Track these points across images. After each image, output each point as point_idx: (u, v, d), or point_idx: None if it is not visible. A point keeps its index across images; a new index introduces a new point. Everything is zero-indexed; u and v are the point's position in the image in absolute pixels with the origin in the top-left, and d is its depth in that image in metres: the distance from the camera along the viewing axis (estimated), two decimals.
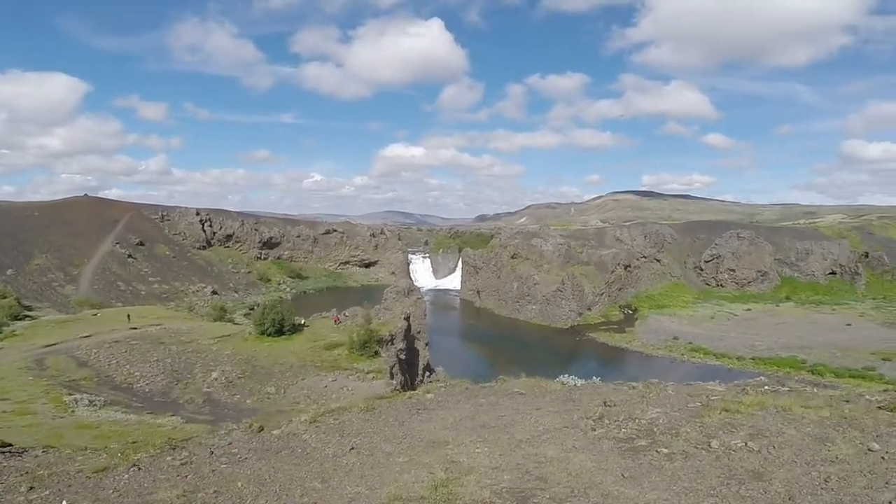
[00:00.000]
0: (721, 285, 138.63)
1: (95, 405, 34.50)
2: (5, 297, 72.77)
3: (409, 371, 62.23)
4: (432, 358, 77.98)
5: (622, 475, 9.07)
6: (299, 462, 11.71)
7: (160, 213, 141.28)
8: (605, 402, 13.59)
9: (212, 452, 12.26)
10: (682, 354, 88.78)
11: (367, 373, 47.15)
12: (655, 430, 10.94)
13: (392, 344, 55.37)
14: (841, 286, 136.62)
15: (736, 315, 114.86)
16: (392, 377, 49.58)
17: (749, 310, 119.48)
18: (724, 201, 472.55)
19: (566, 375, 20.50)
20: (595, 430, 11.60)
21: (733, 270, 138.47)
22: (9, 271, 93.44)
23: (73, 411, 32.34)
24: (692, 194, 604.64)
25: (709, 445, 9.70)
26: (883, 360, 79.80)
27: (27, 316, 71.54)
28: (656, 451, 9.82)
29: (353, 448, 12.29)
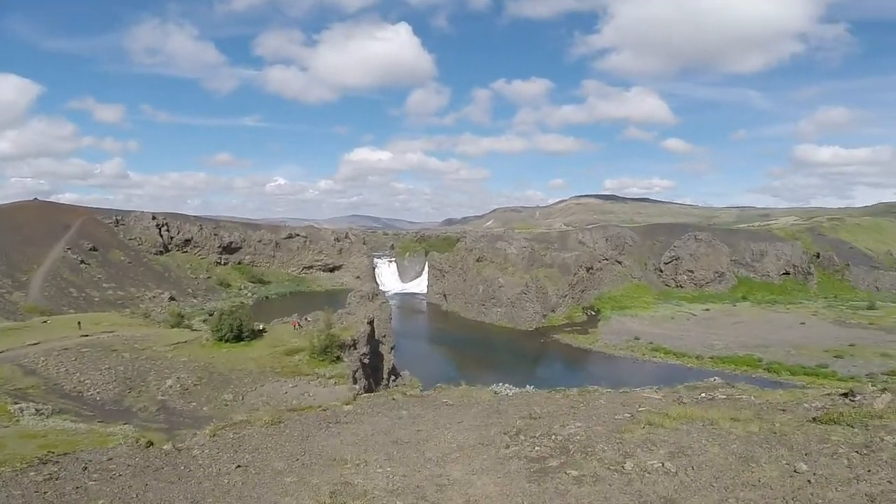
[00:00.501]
0: (680, 286, 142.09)
1: (43, 414, 33.04)
2: None
3: (374, 375, 61.71)
4: (399, 362, 77.59)
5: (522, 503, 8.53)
6: (176, 481, 10.89)
7: (114, 218, 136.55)
8: (530, 415, 13.10)
9: (85, 468, 11.37)
10: (644, 354, 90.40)
11: (329, 378, 46.50)
12: (571, 447, 10.38)
13: (355, 349, 54.77)
14: (794, 286, 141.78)
15: (695, 315, 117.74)
16: (355, 382, 49.06)
17: (707, 310, 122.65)
18: (683, 204, 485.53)
19: (500, 384, 19.80)
20: (509, 447, 11.04)
21: (692, 272, 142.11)
22: None
23: (17, 420, 30.89)
24: (652, 198, 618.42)
25: (623, 467, 9.06)
26: (835, 357, 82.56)
27: None
28: (566, 472, 9.22)
29: (240, 466, 11.54)
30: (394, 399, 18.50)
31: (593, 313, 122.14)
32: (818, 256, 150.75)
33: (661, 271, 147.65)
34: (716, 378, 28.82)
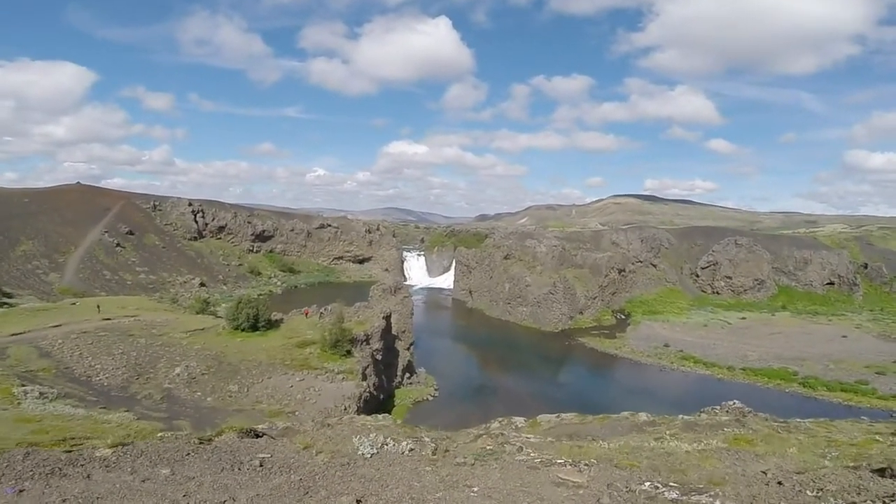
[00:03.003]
0: (717, 292, 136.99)
1: (46, 398, 33.27)
2: None
3: (387, 372, 60.92)
4: (419, 358, 76.74)
5: None
6: None
7: (152, 203, 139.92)
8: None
9: None
10: (672, 363, 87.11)
11: (338, 373, 45.97)
12: None
13: (367, 344, 54.02)
14: (838, 297, 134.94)
15: (730, 323, 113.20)
16: (364, 378, 48.31)
17: (744, 318, 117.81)
18: (725, 207, 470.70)
19: (358, 438, 13.65)
20: None
21: (730, 278, 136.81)
22: None
23: (18, 403, 31.11)
24: (694, 200, 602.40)
25: None
26: (877, 373, 78.34)
27: (5, 303, 70.53)
28: None
29: None
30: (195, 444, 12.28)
31: (623, 317, 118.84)
32: (866, 267, 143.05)
33: (698, 276, 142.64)
34: (735, 401, 26.76)
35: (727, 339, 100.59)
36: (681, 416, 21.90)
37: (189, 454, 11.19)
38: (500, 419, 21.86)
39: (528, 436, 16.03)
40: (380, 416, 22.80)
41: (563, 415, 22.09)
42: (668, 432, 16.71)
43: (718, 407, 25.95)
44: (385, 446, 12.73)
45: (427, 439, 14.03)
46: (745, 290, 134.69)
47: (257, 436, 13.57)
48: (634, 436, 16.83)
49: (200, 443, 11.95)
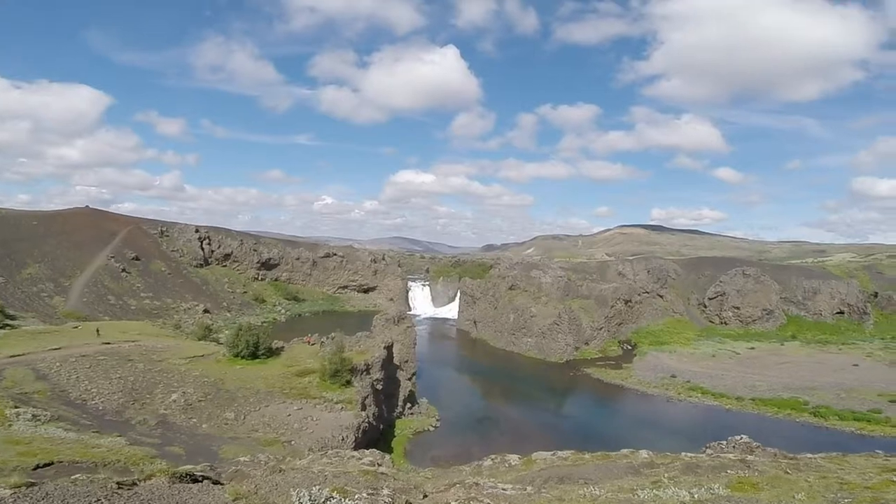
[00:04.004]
0: (725, 323, 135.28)
1: (39, 420, 32.94)
2: None
3: (388, 402, 59.98)
4: (421, 389, 75.71)
5: None
6: None
7: (159, 229, 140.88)
8: None
9: None
10: (679, 393, 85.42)
11: (336, 403, 45.34)
12: None
13: (368, 374, 53.26)
14: (849, 326, 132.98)
15: (738, 353, 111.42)
16: (364, 408, 47.51)
17: (752, 348, 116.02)
18: (733, 237, 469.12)
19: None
20: None
21: (738, 308, 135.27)
22: None
23: (10, 425, 30.73)
24: (702, 229, 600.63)
25: None
26: (890, 401, 76.65)
27: (8, 325, 70.41)
28: None
29: None
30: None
31: (629, 348, 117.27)
32: (876, 296, 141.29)
33: (705, 307, 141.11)
34: (742, 436, 25.90)
35: (736, 369, 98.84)
36: (684, 453, 21.05)
37: (100, 501, 9.80)
38: (493, 457, 21.12)
39: (506, 487, 14.80)
40: (366, 451, 22.15)
41: (559, 452, 21.27)
42: (666, 475, 15.69)
43: (725, 441, 25.09)
44: (328, 502, 11.30)
45: (386, 491, 12.87)
46: (754, 321, 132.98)
47: (195, 480, 12.06)
48: (630, 479, 15.93)
49: (120, 487, 10.51)
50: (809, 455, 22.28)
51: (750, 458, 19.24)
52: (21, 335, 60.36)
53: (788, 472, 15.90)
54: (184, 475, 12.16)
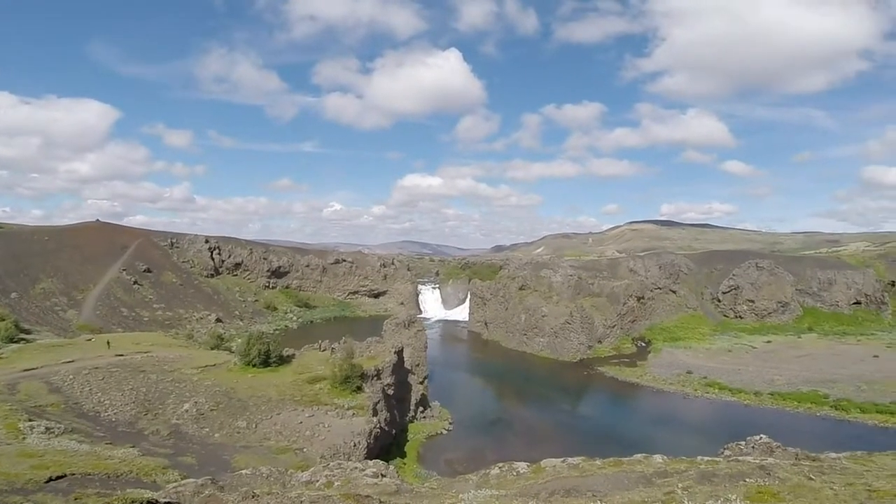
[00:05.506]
0: (740, 317, 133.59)
1: (53, 433, 33.05)
2: (3, 320, 72.51)
3: (399, 407, 59.65)
4: (434, 392, 75.35)
5: None
6: None
7: (169, 241, 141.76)
8: None
9: None
10: (696, 390, 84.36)
11: (348, 409, 45.08)
12: None
13: (378, 379, 52.97)
14: (866, 316, 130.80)
15: (755, 347, 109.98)
16: (375, 414, 47.22)
17: (769, 342, 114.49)
18: (745, 230, 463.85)
19: None
20: None
21: (752, 301, 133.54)
22: (13, 294, 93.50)
23: (24, 438, 30.83)
24: (712, 223, 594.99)
25: None
26: None
27: (23, 339, 71.01)
28: None
29: None
30: None
31: (643, 345, 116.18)
32: (893, 284, 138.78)
33: (719, 301, 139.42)
34: (761, 436, 25.16)
35: (753, 363, 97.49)
36: (700, 457, 20.35)
37: None
38: (501, 465, 20.47)
39: None
40: (370, 462, 21.74)
41: (569, 459, 20.51)
42: (680, 486, 14.73)
43: (744, 442, 24.23)
44: None
45: None
46: (769, 314, 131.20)
47: None
48: (641, 491, 14.98)
49: None
50: (833, 455, 21.43)
51: (770, 460, 18.41)
52: (35, 349, 60.85)
53: (812, 478, 14.94)
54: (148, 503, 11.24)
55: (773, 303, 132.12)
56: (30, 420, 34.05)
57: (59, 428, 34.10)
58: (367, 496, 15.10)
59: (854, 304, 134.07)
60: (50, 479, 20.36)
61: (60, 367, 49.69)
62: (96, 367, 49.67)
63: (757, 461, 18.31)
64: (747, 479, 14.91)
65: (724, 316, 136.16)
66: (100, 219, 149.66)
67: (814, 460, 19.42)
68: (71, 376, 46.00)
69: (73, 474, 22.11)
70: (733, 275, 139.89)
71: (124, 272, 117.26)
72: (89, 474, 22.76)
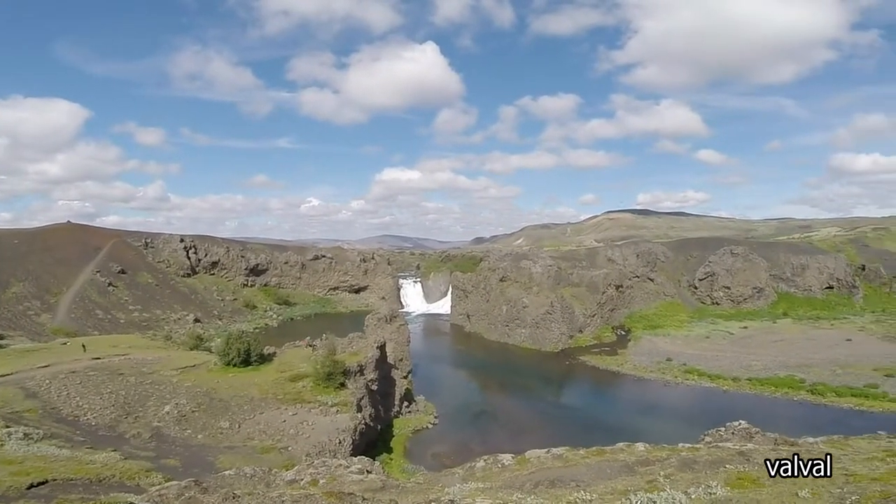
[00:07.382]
0: (716, 303, 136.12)
1: (31, 438, 32.31)
2: None
3: (384, 402, 59.60)
4: (418, 386, 75.46)
5: None
6: None
7: (144, 241, 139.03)
8: None
9: None
10: (676, 377, 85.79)
11: (332, 406, 44.88)
12: None
13: (362, 374, 52.80)
14: (839, 300, 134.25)
15: (732, 334, 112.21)
16: (359, 410, 47.11)
17: (745, 328, 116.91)
18: (719, 217, 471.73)
19: None
20: None
21: (728, 288, 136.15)
22: None
23: (1, 445, 30.14)
24: (687, 211, 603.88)
25: None
26: (886, 376, 77.00)
27: None
28: None
29: None
30: None
31: (623, 333, 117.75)
32: (863, 269, 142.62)
33: (696, 288, 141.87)
34: (741, 422, 25.71)
35: (730, 349, 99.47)
36: (681, 444, 20.75)
37: None
38: (486, 457, 20.60)
39: (484, 501, 13.98)
40: (355, 459, 21.72)
41: (553, 450, 20.71)
42: (662, 474, 14.94)
43: (723, 428, 24.68)
44: None
45: None
46: (745, 300, 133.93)
47: None
48: (624, 480, 15.18)
49: None
50: (811, 439, 21.95)
51: (749, 446, 18.78)
52: (8, 354, 59.43)
53: None
54: None
55: (748, 289, 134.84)
56: (7, 426, 33.22)
57: (37, 433, 33.31)
58: (351, 493, 14.99)
59: (826, 288, 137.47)
60: (31, 486, 19.95)
61: (36, 371, 48.59)
62: (73, 371, 48.68)
63: (737, 447, 18.66)
64: (727, 466, 15.15)
65: (701, 303, 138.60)
66: (71, 220, 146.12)
67: (792, 445, 19.85)
68: (47, 381, 44.99)
69: (55, 480, 21.67)
70: (709, 262, 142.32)
71: (98, 274, 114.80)
72: (71, 479, 22.33)
